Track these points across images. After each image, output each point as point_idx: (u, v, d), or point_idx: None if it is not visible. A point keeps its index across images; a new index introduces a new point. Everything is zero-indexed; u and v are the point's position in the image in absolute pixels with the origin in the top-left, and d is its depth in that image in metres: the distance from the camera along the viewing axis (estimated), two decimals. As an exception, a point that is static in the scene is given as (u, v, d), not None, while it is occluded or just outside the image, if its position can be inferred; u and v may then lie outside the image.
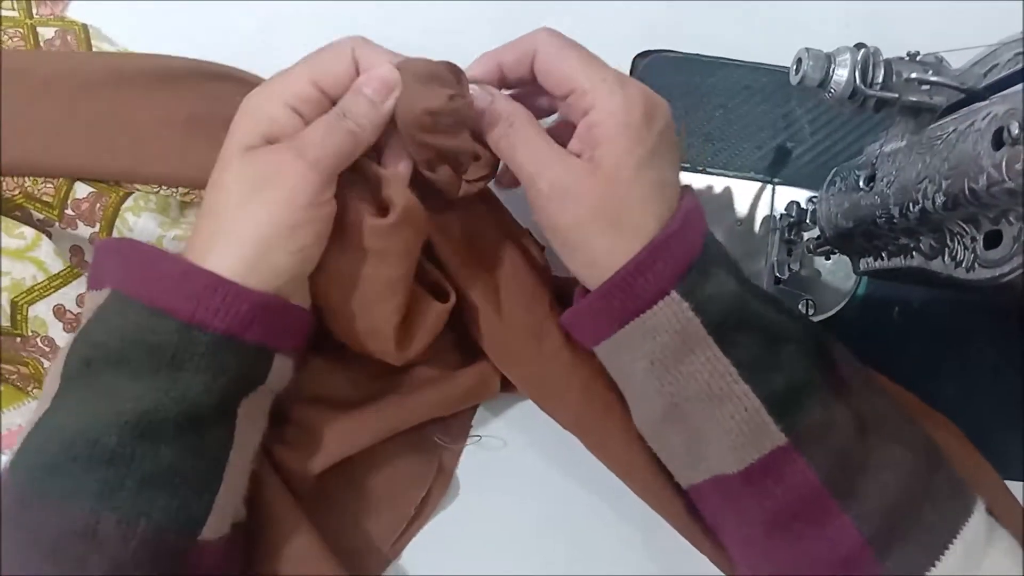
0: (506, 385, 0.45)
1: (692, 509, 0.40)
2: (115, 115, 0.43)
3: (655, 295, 0.35)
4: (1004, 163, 0.28)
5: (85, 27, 0.49)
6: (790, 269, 0.48)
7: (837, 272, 0.48)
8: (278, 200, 0.34)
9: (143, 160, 0.43)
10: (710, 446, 0.36)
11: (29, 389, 0.45)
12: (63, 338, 0.43)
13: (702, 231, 0.37)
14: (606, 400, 0.41)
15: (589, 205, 0.35)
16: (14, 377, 0.45)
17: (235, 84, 0.45)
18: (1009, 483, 0.46)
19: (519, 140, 0.37)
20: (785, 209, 0.48)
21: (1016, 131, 0.28)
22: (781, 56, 0.48)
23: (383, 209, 0.38)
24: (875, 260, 0.40)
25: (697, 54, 0.52)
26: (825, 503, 0.35)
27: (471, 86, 0.37)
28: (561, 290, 0.43)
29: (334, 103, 0.37)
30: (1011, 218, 0.30)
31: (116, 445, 0.32)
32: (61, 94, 0.43)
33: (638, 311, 0.35)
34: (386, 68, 0.36)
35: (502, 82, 0.39)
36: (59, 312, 0.43)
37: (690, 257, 0.35)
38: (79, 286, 0.43)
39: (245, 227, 0.34)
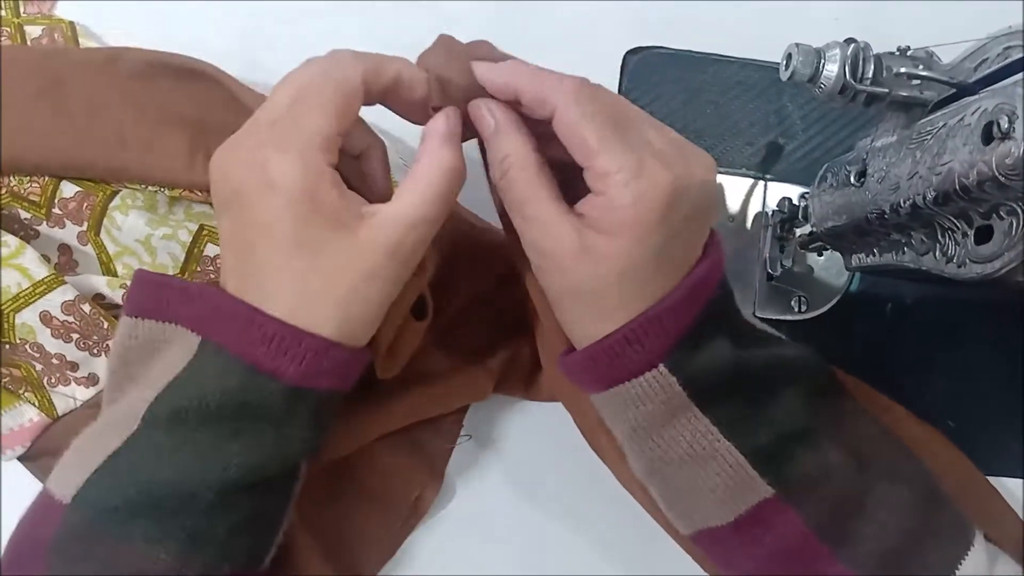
0: (497, 387, 0.45)
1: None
2: (87, 111, 0.43)
3: (642, 367, 0.33)
4: (994, 158, 0.28)
5: (72, 25, 0.48)
6: (782, 266, 0.47)
7: (830, 268, 0.48)
8: (408, 279, 0.34)
9: (115, 156, 0.43)
10: (697, 503, 0.35)
11: (21, 392, 0.45)
12: (52, 344, 0.43)
13: (708, 296, 0.34)
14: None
15: (575, 284, 0.32)
16: (7, 380, 0.45)
17: (209, 83, 0.45)
18: (1002, 480, 0.46)
19: (513, 188, 0.33)
20: (777, 205, 0.48)
21: (1006, 126, 0.28)
22: (774, 52, 0.48)
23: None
24: (866, 256, 0.40)
25: (688, 50, 0.52)
26: (816, 550, 0.34)
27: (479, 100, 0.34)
28: None
29: None
30: (1002, 213, 0.30)
31: (214, 498, 0.31)
32: (29, 90, 0.43)
33: (623, 379, 0.33)
34: (423, 88, 0.33)
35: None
36: (45, 318, 0.43)
37: (685, 327, 0.33)
38: (64, 293, 0.42)
39: (373, 314, 0.33)
